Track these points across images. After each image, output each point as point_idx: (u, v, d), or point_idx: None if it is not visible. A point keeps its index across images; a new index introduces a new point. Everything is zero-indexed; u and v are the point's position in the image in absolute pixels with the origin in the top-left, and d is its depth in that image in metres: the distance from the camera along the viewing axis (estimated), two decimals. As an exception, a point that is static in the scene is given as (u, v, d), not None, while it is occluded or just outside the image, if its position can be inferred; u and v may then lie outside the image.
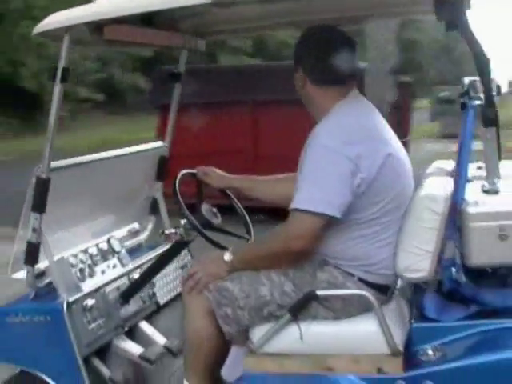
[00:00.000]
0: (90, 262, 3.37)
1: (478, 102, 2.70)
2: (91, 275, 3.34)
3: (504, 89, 3.70)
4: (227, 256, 2.84)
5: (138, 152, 3.73)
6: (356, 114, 2.76)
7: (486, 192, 2.75)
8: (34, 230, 3.01)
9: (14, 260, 3.16)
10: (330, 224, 2.62)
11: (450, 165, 3.16)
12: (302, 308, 2.71)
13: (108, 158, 3.52)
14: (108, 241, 3.53)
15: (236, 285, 2.75)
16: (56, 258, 3.15)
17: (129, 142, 4.32)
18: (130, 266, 3.55)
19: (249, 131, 9.90)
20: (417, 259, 2.65)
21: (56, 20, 2.89)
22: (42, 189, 3.00)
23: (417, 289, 2.85)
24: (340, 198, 2.58)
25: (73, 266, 3.27)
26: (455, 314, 2.65)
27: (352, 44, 2.83)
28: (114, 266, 3.49)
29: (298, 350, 2.76)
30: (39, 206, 2.99)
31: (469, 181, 2.82)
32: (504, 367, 2.48)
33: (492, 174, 2.81)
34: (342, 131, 2.65)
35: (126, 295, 3.36)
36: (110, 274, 3.40)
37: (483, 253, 2.63)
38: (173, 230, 3.12)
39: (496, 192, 2.75)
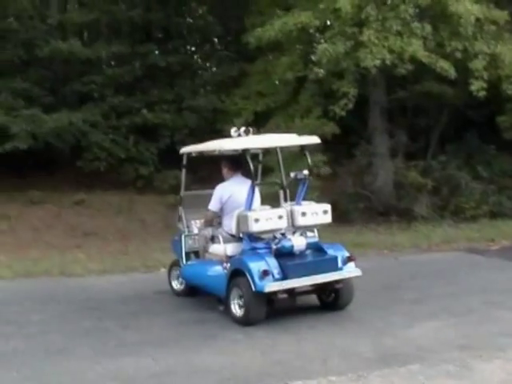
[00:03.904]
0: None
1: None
2: None
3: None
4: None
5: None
6: (229, 184, 8.46)
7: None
8: (179, 210, 9.10)
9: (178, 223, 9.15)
10: (217, 213, 8.46)
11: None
12: (213, 238, 8.41)
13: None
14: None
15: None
16: (186, 222, 9.00)
17: None
18: None
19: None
20: (232, 227, 8.11)
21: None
22: (180, 200, 9.15)
23: None
24: (216, 205, 8.37)
25: (193, 225, 9.00)
26: (245, 248, 7.94)
27: (238, 161, 8.56)
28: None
29: (215, 252, 8.32)
30: (180, 203, 9.11)
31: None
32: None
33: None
34: (220, 188, 8.43)
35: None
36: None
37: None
38: None
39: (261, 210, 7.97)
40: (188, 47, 21.82)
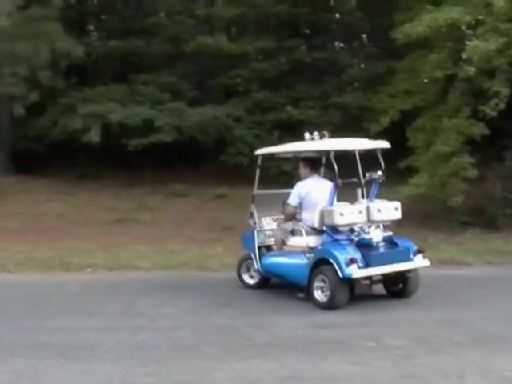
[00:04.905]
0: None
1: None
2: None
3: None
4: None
5: None
6: (307, 182, 9.29)
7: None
8: (251, 207, 9.69)
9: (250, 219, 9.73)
10: (297, 208, 9.23)
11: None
12: (293, 231, 9.19)
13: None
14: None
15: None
16: (257, 219, 9.71)
17: None
18: None
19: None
20: (313, 221, 8.94)
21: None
22: (252, 198, 9.68)
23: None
24: (296, 200, 9.17)
25: (263, 222, 9.79)
26: (326, 240, 8.80)
27: (316, 162, 9.57)
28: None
29: (296, 244, 9.09)
30: (252, 201, 9.66)
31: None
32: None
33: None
34: (299, 185, 9.27)
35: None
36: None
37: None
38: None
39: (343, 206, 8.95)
40: (335, 43, 21.61)
